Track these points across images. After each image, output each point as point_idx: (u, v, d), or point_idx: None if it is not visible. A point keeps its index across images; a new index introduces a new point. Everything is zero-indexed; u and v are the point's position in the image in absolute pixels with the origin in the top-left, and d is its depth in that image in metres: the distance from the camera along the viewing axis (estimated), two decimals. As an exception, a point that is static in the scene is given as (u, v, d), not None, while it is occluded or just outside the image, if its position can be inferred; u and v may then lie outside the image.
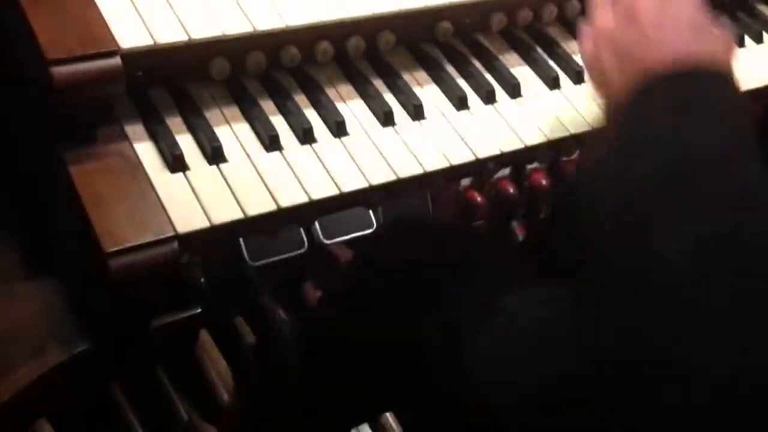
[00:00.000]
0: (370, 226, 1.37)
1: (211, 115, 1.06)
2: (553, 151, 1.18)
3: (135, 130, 1.01)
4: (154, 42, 0.98)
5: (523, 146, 1.14)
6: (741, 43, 1.41)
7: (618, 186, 0.79)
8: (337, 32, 1.13)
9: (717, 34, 0.92)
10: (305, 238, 1.31)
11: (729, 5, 1.47)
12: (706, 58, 0.85)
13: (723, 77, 0.85)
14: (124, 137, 1.00)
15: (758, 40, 1.44)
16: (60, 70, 0.92)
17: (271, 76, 1.12)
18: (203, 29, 1.01)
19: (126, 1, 1.01)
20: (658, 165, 0.77)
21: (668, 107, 0.82)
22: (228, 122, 1.06)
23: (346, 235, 1.36)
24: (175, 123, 1.03)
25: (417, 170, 1.07)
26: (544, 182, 1.41)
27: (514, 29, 1.28)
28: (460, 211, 1.44)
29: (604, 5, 0.98)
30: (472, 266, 0.99)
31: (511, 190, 1.41)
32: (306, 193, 1.01)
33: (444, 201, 1.44)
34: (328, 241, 1.35)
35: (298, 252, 1.32)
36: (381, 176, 1.05)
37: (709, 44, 0.88)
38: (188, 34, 1.00)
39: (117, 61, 0.95)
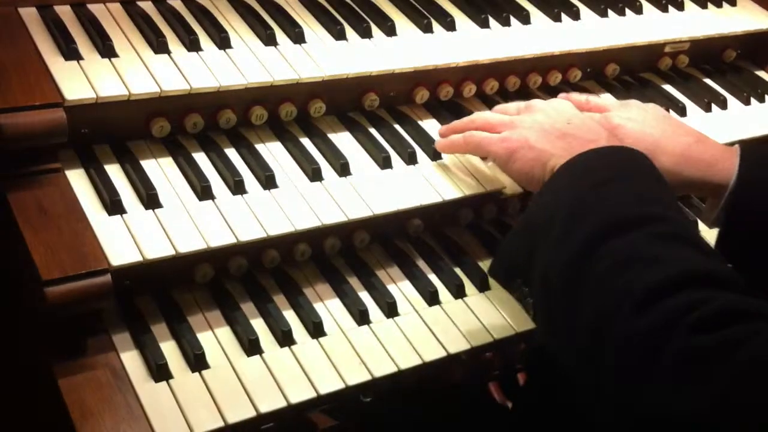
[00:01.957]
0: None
1: (194, 319, 1.12)
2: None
3: (122, 339, 1.07)
4: (144, 258, 1.05)
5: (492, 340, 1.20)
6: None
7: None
8: (314, 235, 1.20)
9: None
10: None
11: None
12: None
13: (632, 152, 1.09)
14: (111, 347, 1.05)
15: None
16: (53, 290, 0.98)
17: (252, 277, 1.18)
18: (189, 243, 1.08)
19: (118, 219, 1.08)
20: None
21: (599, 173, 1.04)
22: (210, 326, 1.12)
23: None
24: (159, 330, 1.09)
25: (391, 369, 1.12)
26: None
27: (481, 223, 1.36)
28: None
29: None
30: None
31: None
32: (285, 398, 1.05)
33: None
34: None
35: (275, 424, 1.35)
36: (358, 377, 1.10)
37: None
38: (175, 249, 1.07)
39: (107, 278, 1.01)
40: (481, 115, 1.27)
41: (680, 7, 1.73)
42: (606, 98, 1.41)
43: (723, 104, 1.65)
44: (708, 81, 1.73)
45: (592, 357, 0.90)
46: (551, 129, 1.15)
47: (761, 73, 1.81)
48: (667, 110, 1.56)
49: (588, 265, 0.93)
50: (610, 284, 0.91)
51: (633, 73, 1.68)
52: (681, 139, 1.24)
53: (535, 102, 1.24)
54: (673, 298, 0.86)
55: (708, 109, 1.63)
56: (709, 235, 1.41)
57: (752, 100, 1.70)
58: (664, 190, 1.05)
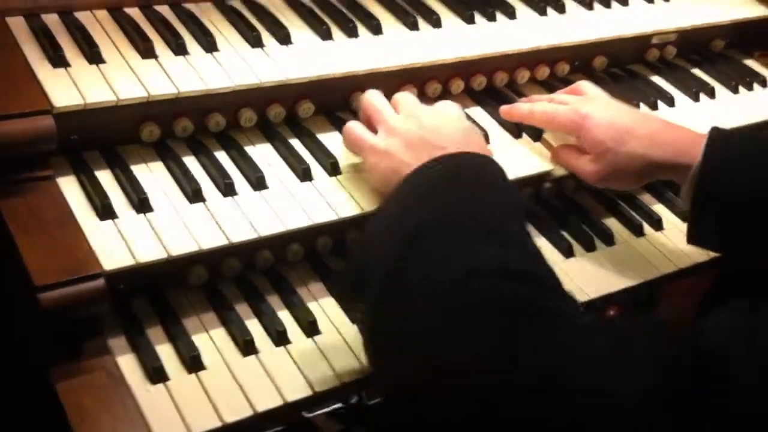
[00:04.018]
0: (352, 397, 1.41)
1: (189, 321, 1.12)
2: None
3: (117, 342, 1.07)
4: (136, 261, 1.05)
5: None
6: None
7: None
8: (306, 234, 1.21)
9: (473, 130, 1.20)
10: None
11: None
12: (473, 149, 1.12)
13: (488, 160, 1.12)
14: (107, 350, 1.06)
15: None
16: (47, 296, 0.98)
17: (245, 277, 1.19)
18: (182, 245, 1.09)
19: (110, 224, 1.08)
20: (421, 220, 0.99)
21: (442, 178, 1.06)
22: (205, 328, 1.12)
23: (327, 407, 1.40)
24: (155, 333, 1.10)
25: (386, 365, 1.13)
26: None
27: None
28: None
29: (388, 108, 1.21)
30: None
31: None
32: (281, 396, 1.06)
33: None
34: (308, 415, 1.39)
35: (278, 428, 1.36)
36: (353, 374, 1.11)
37: (480, 145, 1.18)
38: (168, 252, 1.07)
39: (101, 282, 1.02)
40: (371, 100, 1.25)
41: (666, -3, 1.74)
42: (582, 84, 1.42)
43: (711, 93, 1.66)
44: (696, 71, 1.74)
45: (402, 360, 0.93)
46: (414, 138, 1.15)
47: (750, 62, 1.82)
48: (656, 101, 1.58)
49: (402, 266, 0.95)
50: (420, 278, 0.93)
51: (621, 65, 1.69)
52: (649, 124, 1.29)
53: (416, 108, 1.21)
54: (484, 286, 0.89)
55: (696, 99, 1.64)
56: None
57: (740, 88, 1.71)
58: (494, 194, 1.07)
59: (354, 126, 1.23)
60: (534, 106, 1.37)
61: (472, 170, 1.09)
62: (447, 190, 1.05)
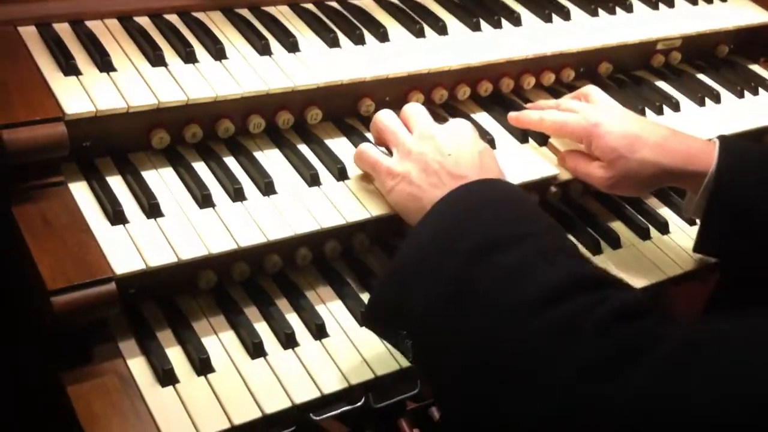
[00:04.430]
0: (359, 399, 1.42)
1: (199, 325, 1.14)
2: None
3: (128, 346, 1.09)
4: (147, 266, 1.07)
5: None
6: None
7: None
8: (314, 239, 1.22)
9: (487, 153, 1.18)
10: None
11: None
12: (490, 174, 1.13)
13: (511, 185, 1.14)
14: (118, 354, 1.07)
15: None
16: (59, 300, 1.00)
17: (254, 282, 1.21)
18: (192, 250, 1.10)
19: (121, 229, 1.10)
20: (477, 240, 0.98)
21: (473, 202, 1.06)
22: (215, 331, 1.14)
23: (336, 410, 1.41)
24: (165, 336, 1.11)
25: (394, 367, 1.14)
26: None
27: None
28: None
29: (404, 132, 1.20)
30: None
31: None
32: (289, 398, 1.07)
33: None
34: (317, 417, 1.40)
35: (288, 431, 1.37)
36: (361, 375, 1.12)
37: (496, 168, 1.17)
38: (178, 256, 1.09)
39: (112, 286, 1.03)
40: (385, 121, 1.24)
41: (671, 4, 1.75)
42: (589, 89, 1.43)
43: (716, 99, 1.67)
44: (701, 76, 1.75)
45: (483, 378, 0.90)
46: (431, 162, 1.14)
47: (755, 67, 1.83)
48: (661, 107, 1.59)
49: (469, 286, 0.94)
50: (496, 297, 0.92)
51: (626, 71, 1.70)
52: (659, 131, 1.30)
53: (430, 129, 1.19)
54: (569, 302, 0.88)
55: (702, 104, 1.65)
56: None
57: (746, 93, 1.72)
58: (534, 212, 1.08)
59: (368, 148, 1.23)
60: (544, 114, 1.38)
61: (501, 194, 1.09)
62: (489, 211, 1.04)
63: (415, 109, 1.25)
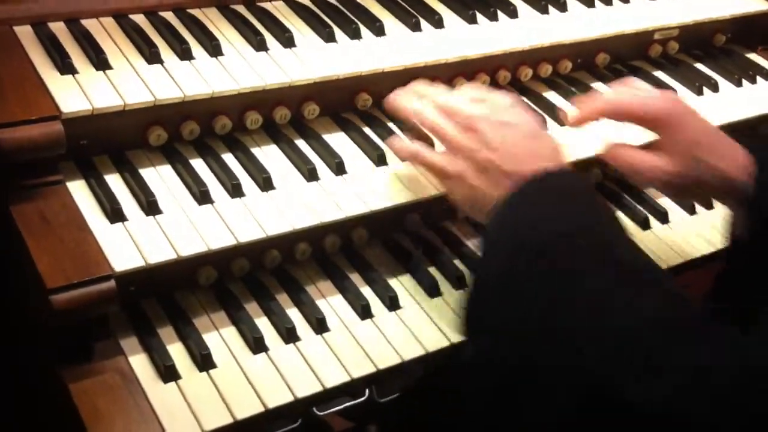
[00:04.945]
0: (362, 394, 1.42)
1: (200, 321, 1.14)
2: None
3: (129, 343, 1.09)
4: (146, 263, 1.06)
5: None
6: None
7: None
8: (314, 233, 1.22)
9: (549, 138, 1.13)
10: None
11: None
12: (551, 162, 1.08)
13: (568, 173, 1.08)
14: (120, 351, 1.07)
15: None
16: (58, 298, 1.00)
17: (254, 277, 1.20)
18: (191, 246, 1.10)
19: (119, 227, 1.10)
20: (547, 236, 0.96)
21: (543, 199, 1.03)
22: (215, 327, 1.14)
23: (339, 405, 1.41)
24: (166, 333, 1.11)
25: (395, 360, 1.14)
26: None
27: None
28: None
29: (451, 125, 1.14)
30: None
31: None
32: (291, 392, 1.07)
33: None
34: (320, 413, 1.40)
35: (292, 427, 1.37)
36: (362, 369, 1.12)
37: (548, 150, 1.11)
38: (177, 253, 1.08)
39: (111, 284, 1.03)
40: (429, 117, 1.18)
41: (667, -7, 1.75)
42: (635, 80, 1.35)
43: (714, 88, 1.67)
44: (699, 66, 1.75)
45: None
46: (482, 161, 1.10)
47: (752, 56, 1.82)
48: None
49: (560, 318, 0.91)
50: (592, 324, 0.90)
51: (624, 61, 1.70)
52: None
53: (477, 120, 1.13)
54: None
55: (700, 93, 1.65)
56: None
57: (744, 82, 1.71)
58: (590, 206, 1.04)
59: (418, 149, 1.20)
60: (619, 90, 1.26)
61: (555, 192, 1.05)
62: (548, 222, 1.00)
63: (450, 100, 1.18)
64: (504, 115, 1.13)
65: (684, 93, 1.64)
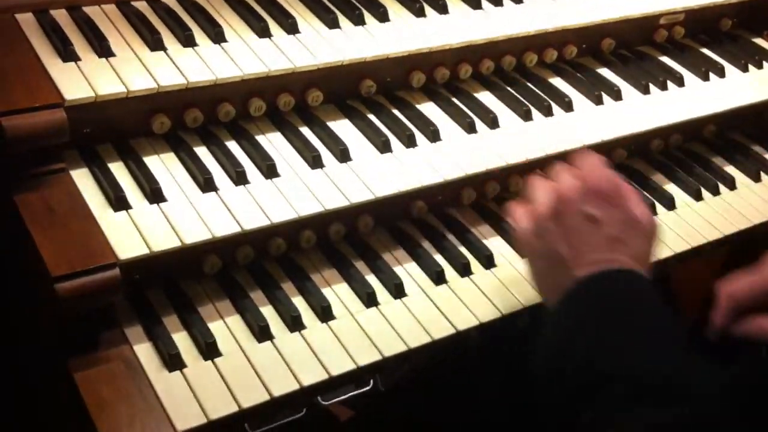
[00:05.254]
0: (367, 383, 1.42)
1: (204, 309, 1.13)
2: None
3: (134, 331, 1.08)
4: (150, 251, 1.06)
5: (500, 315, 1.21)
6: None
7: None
8: (318, 221, 1.22)
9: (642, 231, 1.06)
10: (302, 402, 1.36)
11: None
12: (630, 260, 1.02)
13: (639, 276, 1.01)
14: (124, 340, 1.07)
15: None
16: (63, 286, 0.99)
17: (259, 265, 1.20)
18: (195, 234, 1.09)
19: (123, 215, 1.09)
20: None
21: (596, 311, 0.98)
22: (220, 315, 1.13)
23: (344, 394, 1.41)
24: (171, 321, 1.11)
25: (401, 348, 1.14)
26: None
27: (484, 201, 1.38)
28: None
29: (545, 189, 1.09)
30: None
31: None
32: (297, 380, 1.07)
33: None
34: (325, 402, 1.40)
35: (298, 416, 1.37)
36: (368, 357, 1.11)
37: (634, 247, 1.04)
38: (181, 240, 1.08)
39: (116, 272, 1.03)
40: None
41: (673, -23, 1.73)
42: None
43: (721, 72, 1.66)
44: (705, 51, 1.73)
45: None
46: (555, 255, 1.05)
47: (759, 40, 1.81)
48: (665, 82, 1.58)
49: None
50: None
51: (629, 46, 1.69)
52: None
53: (566, 214, 1.05)
54: None
55: (706, 78, 1.64)
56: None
57: (750, 67, 1.70)
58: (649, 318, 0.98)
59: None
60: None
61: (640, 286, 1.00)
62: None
63: (568, 194, 1.07)
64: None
65: (690, 78, 1.63)
